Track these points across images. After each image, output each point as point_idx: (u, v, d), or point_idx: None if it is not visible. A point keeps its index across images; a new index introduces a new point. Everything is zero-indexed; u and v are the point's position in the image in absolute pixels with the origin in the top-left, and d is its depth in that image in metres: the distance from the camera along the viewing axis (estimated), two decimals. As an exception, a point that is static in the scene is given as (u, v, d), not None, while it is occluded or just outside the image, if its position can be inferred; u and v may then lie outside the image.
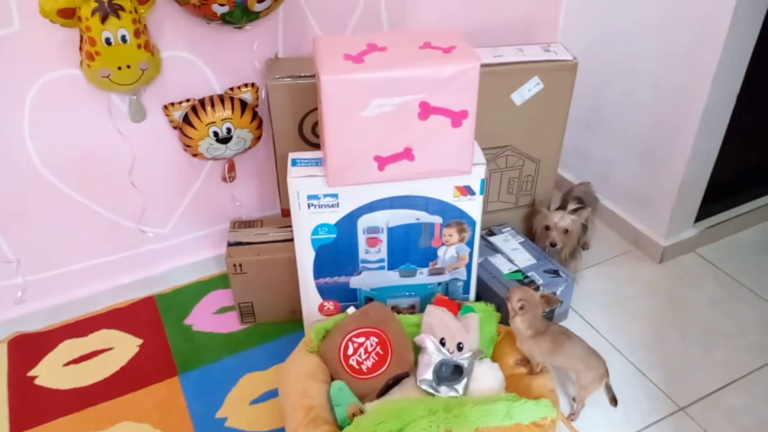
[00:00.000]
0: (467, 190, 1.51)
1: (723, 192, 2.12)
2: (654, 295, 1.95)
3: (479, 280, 1.77)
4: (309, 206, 1.49)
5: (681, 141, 1.88)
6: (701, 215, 2.10)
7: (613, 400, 1.58)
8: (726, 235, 2.17)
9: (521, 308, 1.50)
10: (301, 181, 1.46)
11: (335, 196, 1.48)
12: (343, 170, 1.39)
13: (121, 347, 1.80)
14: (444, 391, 1.47)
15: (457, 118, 1.36)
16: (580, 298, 1.92)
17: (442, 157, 1.41)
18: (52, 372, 1.73)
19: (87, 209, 1.79)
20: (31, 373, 1.73)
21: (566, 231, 1.86)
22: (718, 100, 1.80)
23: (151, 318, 1.90)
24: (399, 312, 1.70)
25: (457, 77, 1.32)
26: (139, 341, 1.82)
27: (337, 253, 1.59)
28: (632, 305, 1.92)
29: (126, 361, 1.76)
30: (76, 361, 1.76)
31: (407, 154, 1.38)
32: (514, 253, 1.87)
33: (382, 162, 1.39)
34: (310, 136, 1.75)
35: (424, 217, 1.55)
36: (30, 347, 1.81)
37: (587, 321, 1.86)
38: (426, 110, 1.33)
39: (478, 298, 1.75)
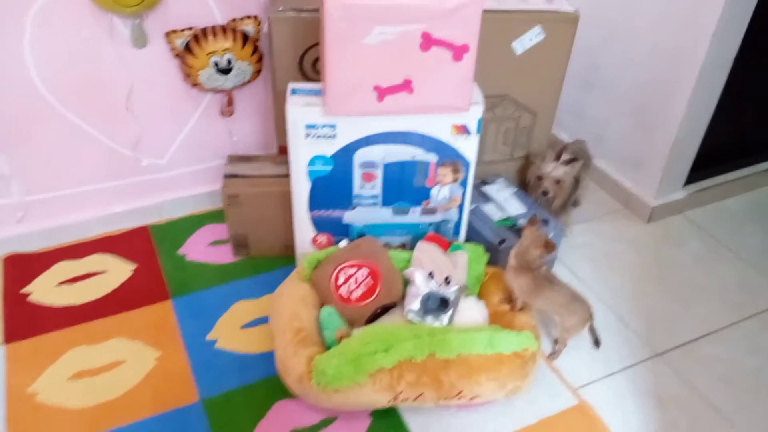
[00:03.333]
0: (464, 129, 1.54)
1: (714, 158, 2.16)
2: (640, 252, 2.00)
3: (470, 226, 1.80)
4: (306, 136, 1.51)
5: (675, 102, 1.91)
6: (691, 179, 2.14)
7: (596, 343, 1.63)
8: (714, 200, 2.21)
9: (532, 223, 1.52)
10: (300, 110, 1.48)
11: (333, 126, 1.50)
12: (343, 99, 1.41)
13: (115, 271, 1.83)
14: (429, 321, 1.52)
15: (458, 52, 1.38)
16: (567, 251, 1.97)
17: (441, 92, 1.43)
18: (46, 290, 1.76)
19: (85, 133, 1.80)
20: (24, 290, 1.76)
21: (558, 181, 1.89)
22: (715, 62, 1.83)
23: (145, 246, 1.93)
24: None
25: (460, 9, 1.33)
26: (133, 266, 1.85)
27: (333, 186, 1.62)
28: (618, 260, 1.97)
29: (119, 284, 1.79)
30: (69, 281, 1.79)
31: (406, 86, 1.41)
32: (505, 202, 1.91)
33: (381, 92, 1.41)
34: (310, 72, 1.77)
35: (419, 154, 1.58)
36: (25, 266, 1.83)
37: (573, 272, 1.91)
38: (428, 41, 1.35)
39: (468, 242, 1.79)
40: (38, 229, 1.88)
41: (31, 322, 1.67)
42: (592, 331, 1.61)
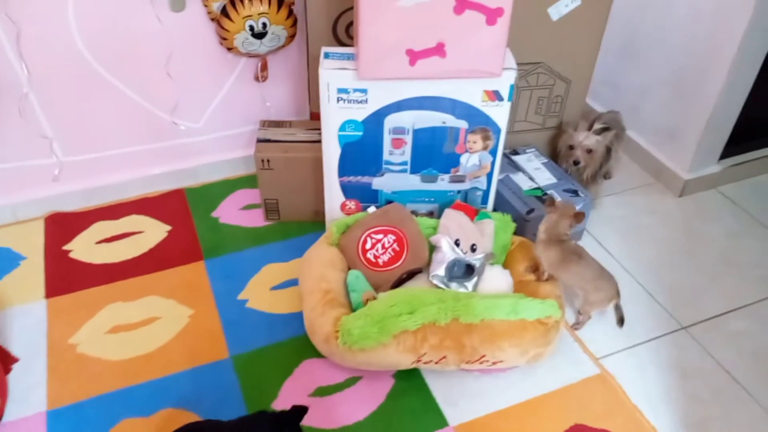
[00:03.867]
0: (495, 95, 1.53)
1: (751, 132, 2.11)
2: (670, 226, 1.98)
3: (498, 195, 1.80)
4: (338, 100, 1.53)
5: (715, 72, 1.86)
6: (726, 153, 2.09)
7: (620, 321, 1.62)
8: (749, 175, 2.16)
9: (549, 204, 1.53)
10: (332, 74, 1.49)
11: (364, 91, 1.51)
12: (375, 62, 1.42)
13: (151, 231, 1.89)
14: (454, 287, 1.54)
15: (492, 15, 1.37)
16: (596, 223, 1.96)
17: (474, 56, 1.42)
18: (86, 248, 1.83)
19: (124, 96, 1.85)
20: (65, 247, 1.83)
21: (590, 150, 1.88)
22: (758, 29, 1.77)
23: (180, 208, 1.98)
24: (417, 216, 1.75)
25: (494, -28, 1.32)
26: (168, 228, 1.91)
27: (362, 152, 1.63)
28: (648, 233, 1.95)
29: (155, 244, 1.85)
30: (107, 240, 1.86)
31: (439, 50, 1.40)
32: (535, 172, 1.90)
33: (413, 56, 1.41)
34: (343, 36, 1.77)
35: (450, 120, 1.58)
36: (65, 225, 1.90)
37: (601, 244, 1.90)
38: (462, 4, 1.34)
39: (496, 211, 1.79)
40: (78, 189, 1.95)
41: (71, 278, 1.74)
42: (618, 309, 1.61)
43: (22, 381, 1.48)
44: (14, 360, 1.53)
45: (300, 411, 1.20)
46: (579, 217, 1.55)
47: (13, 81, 1.68)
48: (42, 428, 1.38)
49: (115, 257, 1.80)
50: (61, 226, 1.90)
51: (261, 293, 1.70)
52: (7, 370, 1.50)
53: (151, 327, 1.61)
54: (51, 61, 1.70)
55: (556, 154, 2.01)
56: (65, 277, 1.74)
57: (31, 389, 1.46)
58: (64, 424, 1.39)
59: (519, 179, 1.88)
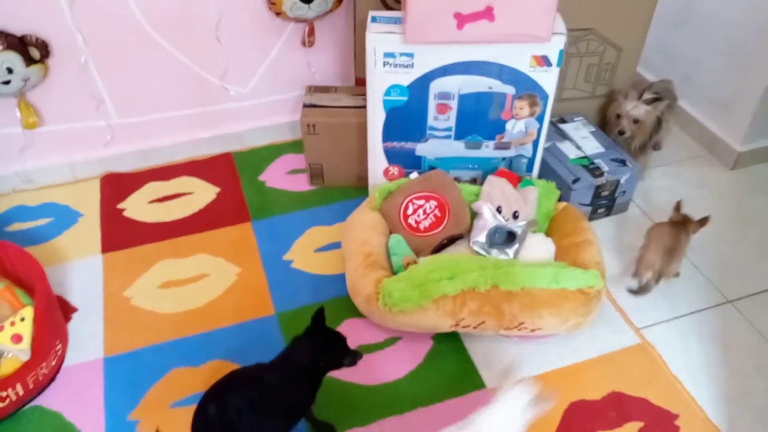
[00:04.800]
0: (544, 61, 1.52)
1: (812, 103, 2.03)
2: (721, 199, 1.93)
3: (544, 163, 1.79)
4: (384, 64, 1.54)
5: (775, 40, 1.80)
6: (784, 125, 2.02)
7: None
8: (807, 149, 2.09)
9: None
10: (379, 37, 1.50)
11: (411, 55, 1.51)
12: (423, 26, 1.42)
13: (200, 193, 1.95)
14: (495, 253, 1.55)
15: (541, -21, 1.35)
16: (644, 194, 1.93)
17: (523, 20, 1.41)
18: (139, 207, 1.90)
19: (176, 60, 1.89)
20: (120, 206, 1.91)
21: (637, 120, 1.84)
22: (823, -3, 1.70)
23: (228, 172, 2.03)
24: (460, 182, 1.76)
25: (547, -66, 1.30)
26: (217, 189, 1.96)
27: (407, 117, 1.64)
28: (696, 206, 1.88)
29: (204, 205, 1.91)
30: (159, 200, 1.93)
31: (488, 13, 1.39)
32: (583, 141, 1.88)
33: (461, 20, 1.41)
34: (391, 2, 1.77)
35: (497, 86, 1.57)
36: (119, 184, 1.98)
37: (647, 214, 1.87)
38: (511, -33, 1.33)
39: (540, 179, 1.78)
40: (131, 151, 2.02)
41: (125, 234, 1.81)
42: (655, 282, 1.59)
43: (81, 330, 1.56)
44: (73, 310, 1.61)
45: (319, 312, 1.25)
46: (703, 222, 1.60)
47: (71, 45, 1.74)
48: (99, 373, 1.47)
49: (167, 216, 1.87)
50: (116, 186, 1.97)
51: (305, 254, 1.75)
52: (68, 319, 1.59)
53: (201, 283, 1.67)
54: (106, 25, 1.75)
55: (605, 123, 1.97)
56: (120, 233, 1.82)
57: (89, 337, 1.54)
58: (120, 370, 1.47)
59: (566, 147, 1.86)
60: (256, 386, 1.22)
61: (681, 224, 1.62)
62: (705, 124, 2.09)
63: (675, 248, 1.57)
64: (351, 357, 1.26)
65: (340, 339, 1.26)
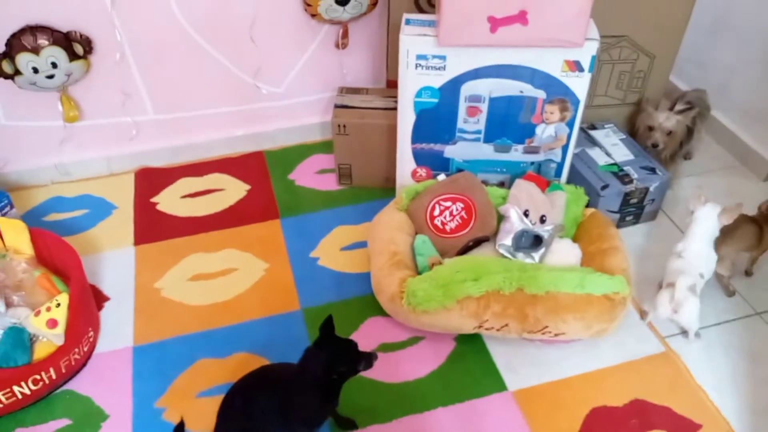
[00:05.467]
0: (576, 66, 1.52)
1: None
2: (752, 210, 1.89)
3: (572, 168, 1.79)
4: (416, 66, 1.55)
5: (813, 50, 1.77)
6: (820, 137, 1.99)
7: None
8: None
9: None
10: (412, 40, 1.51)
11: (443, 57, 1.53)
12: (456, 29, 1.43)
13: (231, 189, 1.99)
14: (521, 257, 1.55)
15: (575, -16, 1.35)
16: (673, 203, 1.91)
17: (556, 25, 1.41)
18: (171, 201, 1.95)
19: (212, 58, 1.93)
20: (153, 200, 1.95)
21: (670, 132, 1.83)
22: None
23: (259, 170, 2.07)
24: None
25: (581, -61, 1.30)
26: (247, 187, 2.00)
27: (437, 119, 1.66)
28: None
29: (235, 201, 1.95)
30: (191, 196, 1.97)
31: (521, 17, 1.40)
32: (612, 148, 1.87)
33: (495, 23, 1.42)
34: (425, 5, 1.79)
35: (528, 90, 1.58)
36: (153, 179, 2.03)
37: (675, 223, 1.86)
38: (545, -29, 1.34)
39: (569, 184, 1.78)
40: (165, 147, 2.07)
41: (158, 228, 1.86)
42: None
43: (112, 318, 1.61)
44: (106, 299, 1.66)
45: (328, 321, 1.19)
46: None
47: (112, 42, 1.80)
48: (128, 361, 1.51)
49: (198, 211, 1.91)
50: (150, 180, 2.02)
51: (332, 252, 1.77)
52: (100, 307, 1.63)
53: (229, 277, 1.70)
54: (146, 23, 1.80)
55: (635, 130, 1.96)
56: (152, 227, 1.86)
57: (120, 326, 1.59)
58: (148, 358, 1.51)
59: (595, 154, 1.85)
60: (283, 390, 1.21)
61: (750, 218, 1.64)
62: (738, 134, 2.06)
63: (729, 233, 1.59)
64: (365, 361, 1.21)
65: (351, 347, 1.21)
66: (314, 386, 1.20)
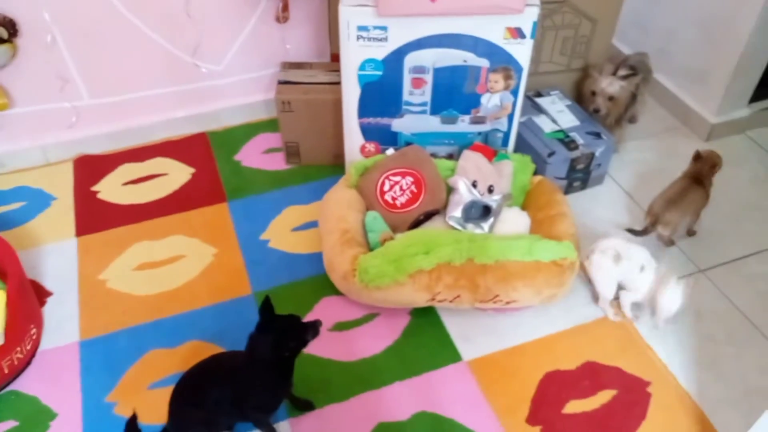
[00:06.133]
0: (518, 33, 1.51)
1: (785, 74, 2.04)
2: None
3: (519, 137, 1.79)
4: (358, 38, 1.52)
5: (746, 13, 1.80)
6: (757, 96, 2.04)
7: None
8: (781, 119, 2.11)
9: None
10: (353, 11, 1.48)
11: (384, 28, 1.50)
12: (395, -1, 1.40)
13: (175, 174, 1.93)
14: (470, 228, 1.55)
15: (512, -50, 1.34)
16: (619, 166, 1.94)
17: (494, -8, 1.40)
18: (113, 189, 1.88)
19: (147, 38, 1.86)
20: (93, 189, 1.88)
21: (612, 98, 1.84)
22: (794, -34, 1.70)
23: (203, 152, 2.01)
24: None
25: None
26: (192, 170, 1.94)
27: (382, 93, 1.63)
28: (670, 177, 1.89)
29: (179, 186, 1.89)
30: (134, 182, 1.90)
31: (459, -15, 1.38)
32: (558, 115, 1.88)
33: (433, -8, 1.39)
34: (364, -24, 1.75)
35: (471, 59, 1.56)
36: (93, 167, 1.95)
37: (622, 187, 1.89)
38: (481, -62, 1.31)
39: (516, 153, 1.78)
40: (104, 132, 1.99)
41: (100, 217, 1.79)
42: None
43: (56, 313, 1.55)
44: (48, 294, 1.60)
45: (266, 302, 1.17)
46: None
47: (39, 23, 1.70)
48: (75, 357, 1.46)
49: (141, 198, 1.85)
50: (89, 168, 1.95)
51: (282, 234, 1.74)
52: (42, 303, 1.57)
53: (177, 264, 1.66)
54: (75, 2, 1.71)
55: (580, 96, 1.97)
56: (94, 216, 1.80)
57: (65, 321, 1.53)
58: (96, 353, 1.47)
59: (541, 122, 1.86)
60: (234, 380, 1.20)
61: (692, 177, 1.66)
62: (680, 96, 2.10)
63: (676, 200, 1.61)
64: (312, 331, 1.19)
65: (294, 321, 1.19)
66: (266, 370, 1.18)
